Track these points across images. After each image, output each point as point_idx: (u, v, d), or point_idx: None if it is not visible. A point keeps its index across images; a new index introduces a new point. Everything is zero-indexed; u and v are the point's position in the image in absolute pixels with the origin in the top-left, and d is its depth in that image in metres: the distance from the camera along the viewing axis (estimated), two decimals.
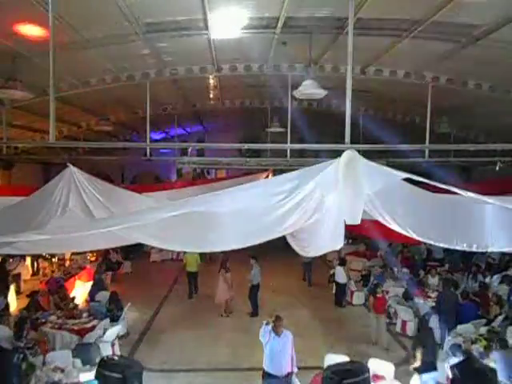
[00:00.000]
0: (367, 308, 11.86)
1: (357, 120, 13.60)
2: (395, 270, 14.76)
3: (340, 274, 13.55)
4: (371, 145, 5.52)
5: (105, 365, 6.40)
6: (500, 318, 9.40)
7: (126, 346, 10.04)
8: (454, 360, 7.36)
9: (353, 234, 15.43)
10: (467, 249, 4.86)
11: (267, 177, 12.39)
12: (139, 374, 6.40)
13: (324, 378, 6.03)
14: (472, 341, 8.42)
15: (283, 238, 6.08)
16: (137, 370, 6.38)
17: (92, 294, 11.96)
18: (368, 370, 6.23)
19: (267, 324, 7.18)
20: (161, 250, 18.41)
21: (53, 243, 5.89)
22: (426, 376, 7.30)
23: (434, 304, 10.73)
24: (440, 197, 5.01)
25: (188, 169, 20.61)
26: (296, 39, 7.90)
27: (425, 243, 13.77)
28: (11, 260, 14.11)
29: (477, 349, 8.09)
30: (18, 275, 14.42)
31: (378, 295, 10.50)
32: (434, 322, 10.12)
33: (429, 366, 7.52)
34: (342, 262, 14.12)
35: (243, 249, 5.00)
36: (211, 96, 13.68)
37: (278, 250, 11.66)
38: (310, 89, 7.79)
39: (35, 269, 16.24)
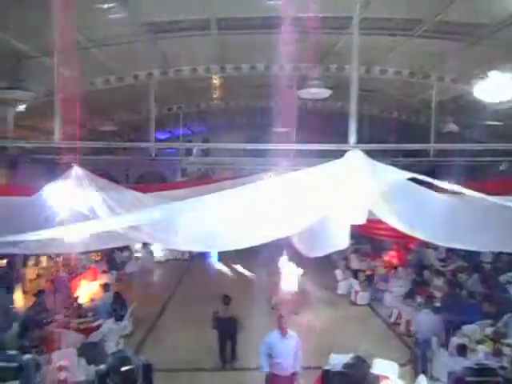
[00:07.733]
0: None
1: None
2: (399, 270, 14.72)
3: None
4: (375, 144, 5.48)
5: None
6: (505, 317, 9.33)
7: (130, 345, 10.06)
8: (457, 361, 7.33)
9: (357, 233, 15.37)
10: (472, 249, 4.84)
11: (271, 177, 12.34)
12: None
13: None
14: (477, 341, 8.38)
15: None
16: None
17: None
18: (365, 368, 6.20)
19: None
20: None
21: (57, 243, 5.92)
22: None
23: (439, 304, 10.67)
24: (445, 196, 4.98)
25: (193, 168, 20.68)
26: (301, 39, 7.87)
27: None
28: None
29: (482, 349, 8.05)
30: (23, 275, 14.47)
31: None
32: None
33: None
34: None
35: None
36: (216, 96, 13.67)
37: None
38: (314, 89, 7.78)
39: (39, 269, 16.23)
